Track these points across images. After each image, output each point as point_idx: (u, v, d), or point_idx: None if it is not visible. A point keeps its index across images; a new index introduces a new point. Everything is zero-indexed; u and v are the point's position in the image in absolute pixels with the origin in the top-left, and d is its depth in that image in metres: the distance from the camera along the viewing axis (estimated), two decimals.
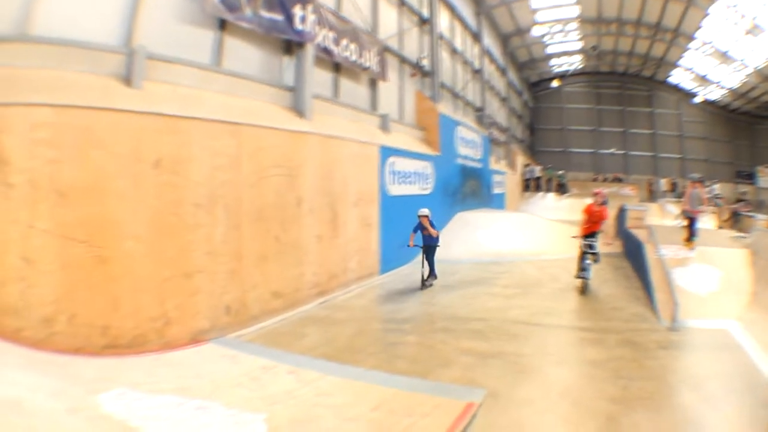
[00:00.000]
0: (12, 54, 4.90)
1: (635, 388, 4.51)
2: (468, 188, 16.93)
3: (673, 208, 19.60)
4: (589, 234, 8.98)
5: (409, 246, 9.27)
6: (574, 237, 9.26)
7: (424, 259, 9.44)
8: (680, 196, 19.74)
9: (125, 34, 6.01)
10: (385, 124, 11.64)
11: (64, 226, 4.82)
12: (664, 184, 28.56)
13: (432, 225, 9.36)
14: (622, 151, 34.93)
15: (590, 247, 8.86)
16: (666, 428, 3.88)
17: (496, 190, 21.26)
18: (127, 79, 5.80)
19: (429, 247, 9.47)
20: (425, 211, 9.46)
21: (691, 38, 25.26)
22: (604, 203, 9.33)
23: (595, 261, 8.90)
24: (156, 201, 5.71)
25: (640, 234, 11.25)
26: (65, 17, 5.39)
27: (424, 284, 9.33)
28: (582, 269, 8.85)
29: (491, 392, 4.42)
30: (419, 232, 9.39)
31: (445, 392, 4.45)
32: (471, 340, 6.08)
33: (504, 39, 26.12)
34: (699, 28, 23.88)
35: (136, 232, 5.46)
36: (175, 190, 5.94)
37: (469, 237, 13.68)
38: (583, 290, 8.68)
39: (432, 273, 9.55)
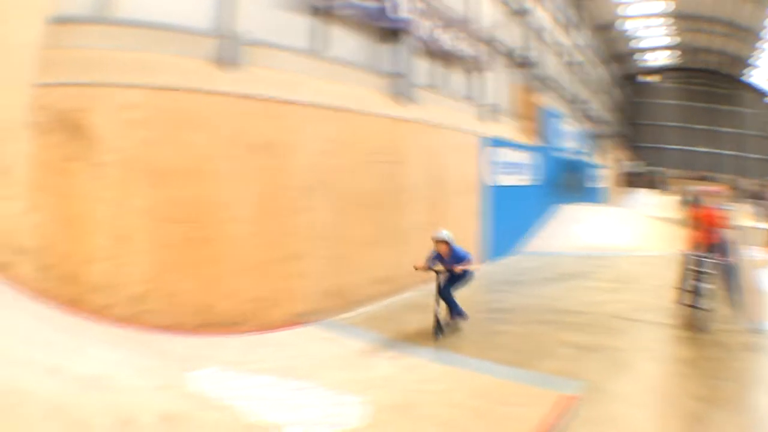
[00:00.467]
0: (94, 36, 4.45)
1: (720, 388, 4.22)
2: (568, 181, 15.37)
3: (755, 209, 17.91)
4: (703, 247, 6.05)
5: (415, 268, 5.54)
6: (681, 251, 6.31)
7: (438, 294, 5.37)
8: (761, 197, 17.77)
9: (220, 19, 5.45)
10: (486, 114, 10.61)
11: (160, 205, 4.41)
12: (747, 184, 25.06)
13: (458, 255, 5.42)
14: (711, 150, 30.95)
15: (705, 266, 5.84)
16: (744, 427, 3.68)
17: (596, 184, 19.29)
18: (224, 63, 5.31)
19: (451, 275, 5.43)
20: (443, 234, 5.48)
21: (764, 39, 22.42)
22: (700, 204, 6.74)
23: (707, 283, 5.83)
24: (259, 184, 5.26)
25: (729, 234, 9.34)
26: (153, 1, 4.91)
27: (441, 329, 5.27)
28: (697, 293, 5.76)
29: (589, 385, 4.06)
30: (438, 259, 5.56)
31: (544, 383, 4.12)
32: (570, 332, 5.60)
33: (599, 32, 23.87)
34: (764, 28, 21.18)
35: (239, 214, 5.01)
36: (279, 173, 5.47)
37: (569, 230, 12.68)
38: (700, 326, 5.54)
39: (455, 310, 5.53)
